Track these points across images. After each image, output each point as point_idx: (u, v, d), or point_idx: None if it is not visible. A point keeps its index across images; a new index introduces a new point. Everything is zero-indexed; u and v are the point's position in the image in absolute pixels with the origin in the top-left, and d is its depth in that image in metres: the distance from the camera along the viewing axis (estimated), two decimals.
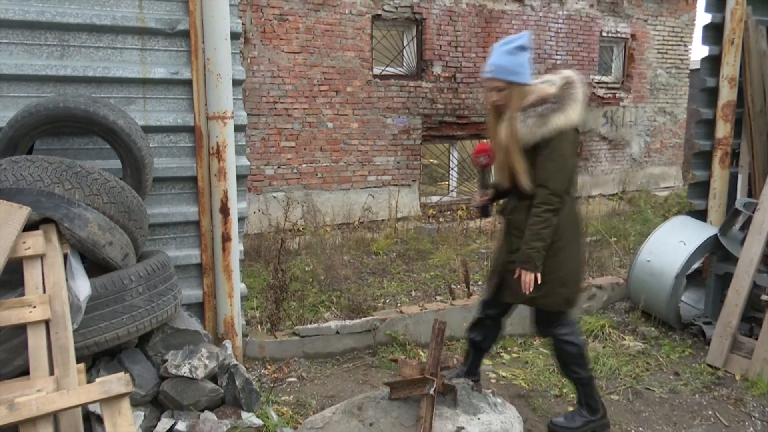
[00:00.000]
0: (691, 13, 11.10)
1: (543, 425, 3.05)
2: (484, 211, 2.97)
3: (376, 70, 8.39)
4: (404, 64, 8.74)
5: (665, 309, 4.12)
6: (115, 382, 1.93)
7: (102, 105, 2.65)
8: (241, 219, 3.29)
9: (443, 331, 2.69)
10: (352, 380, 3.43)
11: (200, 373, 2.59)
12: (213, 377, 2.76)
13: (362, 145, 8.45)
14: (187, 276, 3.25)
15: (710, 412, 3.21)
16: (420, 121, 8.68)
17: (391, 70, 8.55)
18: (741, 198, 4.23)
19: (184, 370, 2.56)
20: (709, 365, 3.72)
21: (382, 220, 8.30)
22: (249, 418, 2.67)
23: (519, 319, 4.22)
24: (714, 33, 4.55)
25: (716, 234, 4.08)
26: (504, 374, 3.56)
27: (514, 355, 3.90)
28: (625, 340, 4.08)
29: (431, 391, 2.52)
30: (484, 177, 2.89)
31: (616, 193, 10.39)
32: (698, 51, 33.48)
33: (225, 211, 3.14)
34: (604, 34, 10.18)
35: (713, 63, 4.56)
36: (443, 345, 2.67)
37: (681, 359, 3.87)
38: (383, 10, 8.20)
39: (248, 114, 7.74)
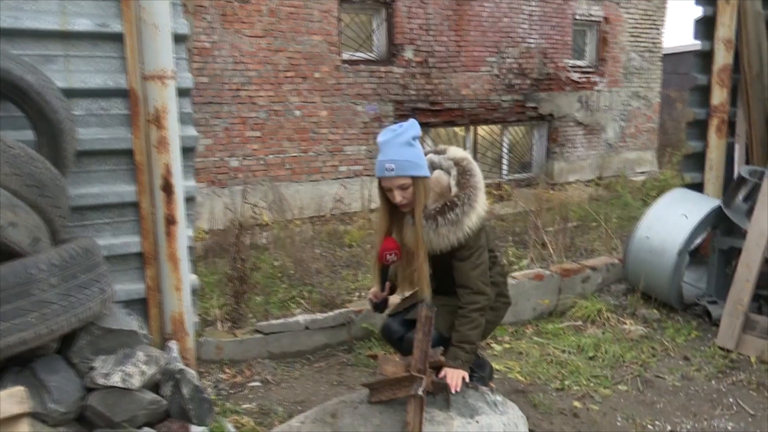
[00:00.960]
0: None
1: (547, 423, 2.66)
2: (379, 307, 2.66)
3: (345, 55, 7.95)
4: (374, 48, 8.31)
5: (667, 289, 3.77)
6: (6, 400, 1.46)
7: (4, 57, 2.16)
8: (189, 199, 2.81)
9: (432, 320, 2.26)
10: (325, 382, 2.98)
11: (136, 381, 2.12)
12: (155, 386, 2.29)
13: (332, 134, 8.01)
14: (127, 268, 2.75)
15: (731, 400, 2.86)
16: (392, 108, 8.26)
17: (360, 55, 8.11)
18: (745, 166, 3.91)
19: (115, 379, 2.09)
20: (720, 348, 3.38)
21: (355, 212, 7.86)
22: None
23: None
24: None
25: (719, 206, 3.75)
26: (497, 367, 3.16)
27: (507, 346, 3.50)
28: (625, 324, 3.71)
29: (419, 392, 2.09)
30: (385, 273, 2.59)
31: (593, 179, 10.15)
32: (670, 35, 33.95)
33: (168, 188, 2.66)
34: (578, 17, 9.92)
35: (707, 25, 4.23)
36: (432, 336, 2.25)
37: (688, 342, 3.52)
38: None
39: (209, 103, 7.29)
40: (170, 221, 2.69)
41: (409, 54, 8.36)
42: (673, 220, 3.79)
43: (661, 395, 2.93)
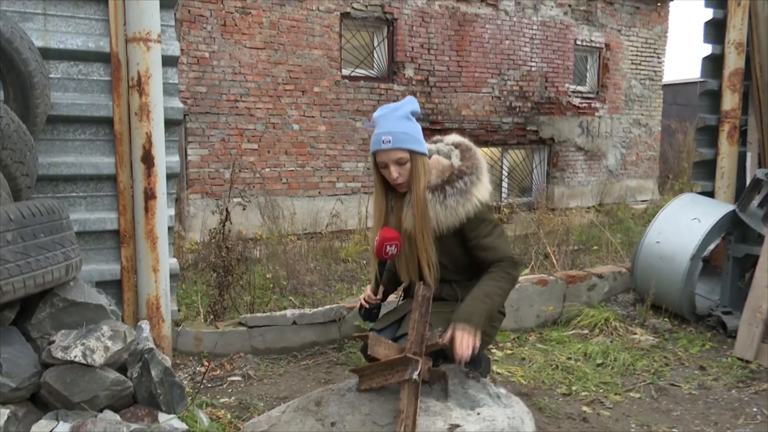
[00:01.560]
0: (663, 25, 10.98)
1: (554, 427, 2.41)
2: (369, 314, 2.33)
3: (345, 71, 7.88)
4: (375, 65, 8.25)
5: (679, 297, 3.55)
6: None
7: None
8: (171, 176, 2.63)
9: (429, 300, 2.05)
10: (312, 379, 2.73)
11: (98, 357, 1.89)
12: (123, 368, 2.06)
13: (330, 150, 7.88)
14: (101, 246, 2.56)
15: (755, 410, 2.61)
16: None
17: (360, 71, 8.04)
18: (761, 169, 3.74)
19: (75, 353, 1.86)
20: (738, 358, 3.14)
21: (351, 229, 7.66)
22: (168, 421, 1.97)
23: (511, 312, 3.62)
24: None
25: (733, 210, 3.56)
26: (499, 371, 2.93)
27: (508, 352, 3.26)
28: (634, 334, 3.48)
29: (414, 376, 1.87)
30: (382, 271, 2.31)
31: (594, 206, 9.99)
32: (669, 67, 34.28)
33: (148, 160, 2.47)
34: (579, 42, 9.93)
35: (717, 28, 4.12)
36: (429, 316, 2.03)
37: (702, 353, 3.29)
38: (352, 8, 7.74)
39: (207, 113, 7.17)
40: (149, 195, 2.49)
41: (409, 72, 8.30)
42: (685, 223, 3.60)
43: (677, 403, 2.69)
